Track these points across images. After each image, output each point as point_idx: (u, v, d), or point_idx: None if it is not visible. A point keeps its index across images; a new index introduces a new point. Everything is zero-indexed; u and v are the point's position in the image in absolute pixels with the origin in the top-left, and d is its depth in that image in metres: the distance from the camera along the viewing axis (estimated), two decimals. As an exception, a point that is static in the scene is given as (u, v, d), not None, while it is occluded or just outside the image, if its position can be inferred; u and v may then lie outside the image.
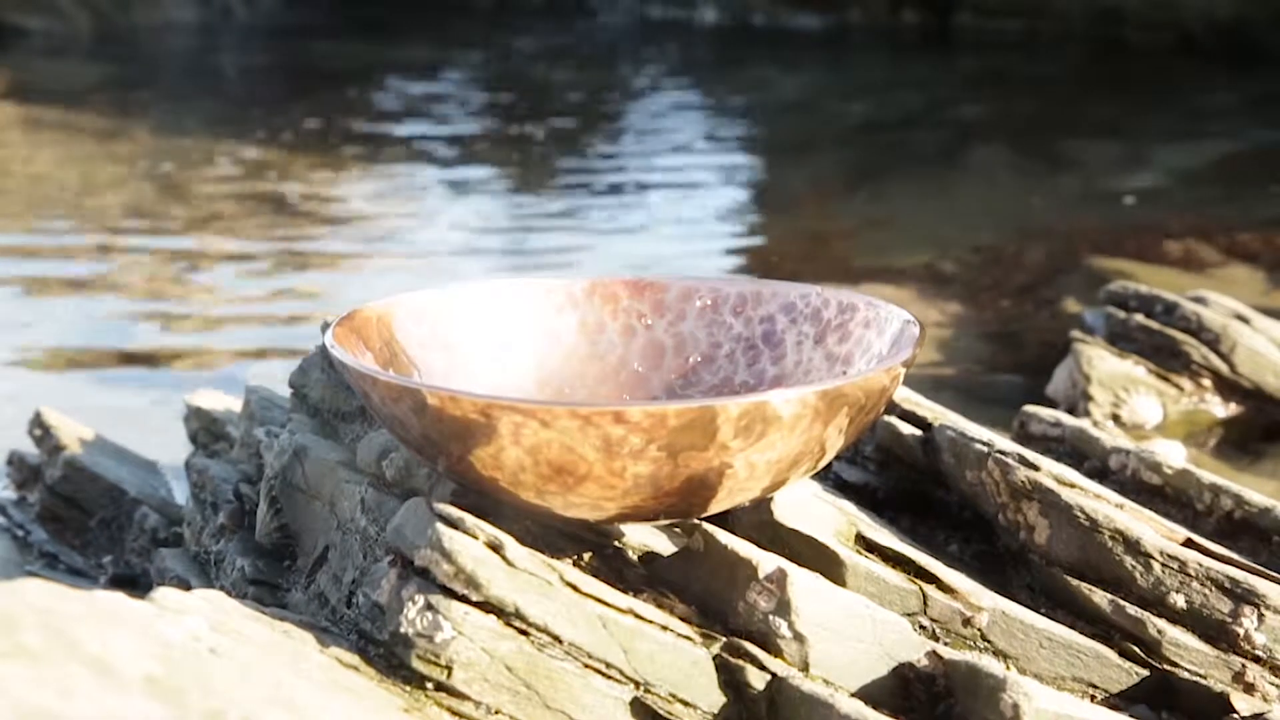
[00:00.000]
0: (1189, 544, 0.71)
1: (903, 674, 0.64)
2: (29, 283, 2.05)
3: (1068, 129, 3.28)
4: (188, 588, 0.77)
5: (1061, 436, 0.90)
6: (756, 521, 0.68)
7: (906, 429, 0.79)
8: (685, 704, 0.61)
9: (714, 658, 0.62)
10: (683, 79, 4.64)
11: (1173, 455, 0.87)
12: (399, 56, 4.95)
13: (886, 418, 0.80)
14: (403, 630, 0.59)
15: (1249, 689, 0.66)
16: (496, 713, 0.59)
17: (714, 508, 0.64)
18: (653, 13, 6.04)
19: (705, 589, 0.64)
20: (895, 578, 0.67)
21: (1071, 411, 1.28)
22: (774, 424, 0.59)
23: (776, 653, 0.62)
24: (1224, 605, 0.68)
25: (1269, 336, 1.33)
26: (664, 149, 3.28)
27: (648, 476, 0.60)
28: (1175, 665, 0.67)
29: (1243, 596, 0.67)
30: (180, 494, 1.05)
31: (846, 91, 4.08)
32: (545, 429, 0.58)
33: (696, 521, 0.66)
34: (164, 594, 0.58)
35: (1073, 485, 0.72)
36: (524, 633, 0.59)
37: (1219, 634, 0.68)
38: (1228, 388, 1.31)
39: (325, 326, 0.80)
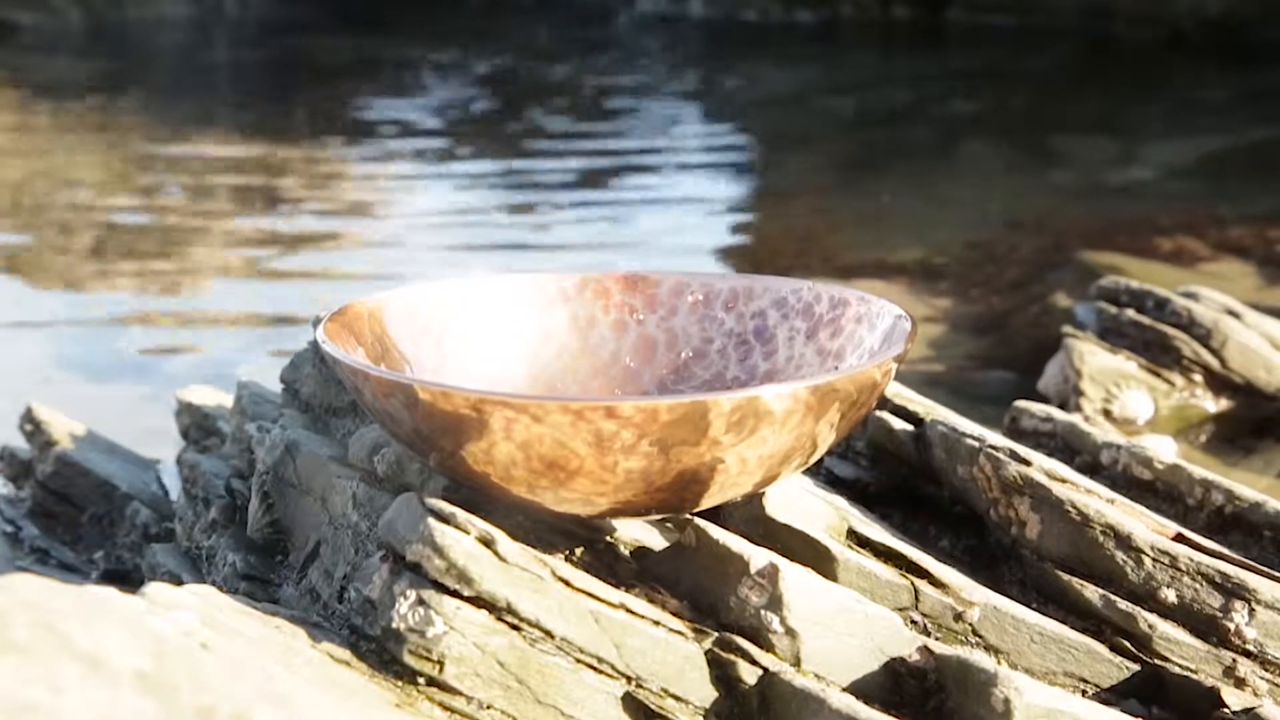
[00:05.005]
0: (1180, 539, 0.71)
1: (894, 669, 0.64)
2: (19, 277, 2.05)
3: (1059, 124, 3.29)
4: (179, 583, 0.77)
5: (1053, 432, 0.90)
6: (748, 516, 0.68)
7: (898, 424, 0.79)
8: (677, 699, 0.61)
9: (706, 653, 0.62)
10: (675, 73, 4.64)
11: (1164, 450, 0.87)
12: (391, 51, 4.94)
13: (878, 413, 0.81)
14: (394, 625, 0.59)
15: (1239, 684, 0.66)
16: (488, 708, 0.59)
17: (706, 503, 0.64)
18: (645, 7, 6.04)
19: (697, 584, 0.64)
20: (887, 573, 0.67)
21: (1063, 407, 1.29)
22: (766, 419, 0.59)
23: (768, 648, 0.62)
24: (1215, 600, 0.68)
25: (1260, 331, 1.33)
26: (656, 144, 3.28)
27: (639, 471, 0.60)
28: (1166, 660, 0.67)
29: (1233, 591, 0.68)
30: (172, 489, 1.05)
31: (838, 86, 4.08)
32: (537, 424, 0.58)
33: (688, 516, 0.66)
34: (155, 589, 0.58)
35: (1064, 480, 0.72)
36: (516, 628, 0.59)
37: (1210, 629, 0.68)
38: (1219, 383, 1.31)
39: (316, 322, 0.80)
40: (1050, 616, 0.68)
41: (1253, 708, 0.64)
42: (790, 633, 0.62)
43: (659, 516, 0.66)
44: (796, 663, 0.62)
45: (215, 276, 2.07)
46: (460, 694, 0.59)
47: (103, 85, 4.13)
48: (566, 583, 0.61)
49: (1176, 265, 1.93)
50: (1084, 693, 0.66)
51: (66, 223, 2.39)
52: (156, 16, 5.85)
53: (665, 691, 0.61)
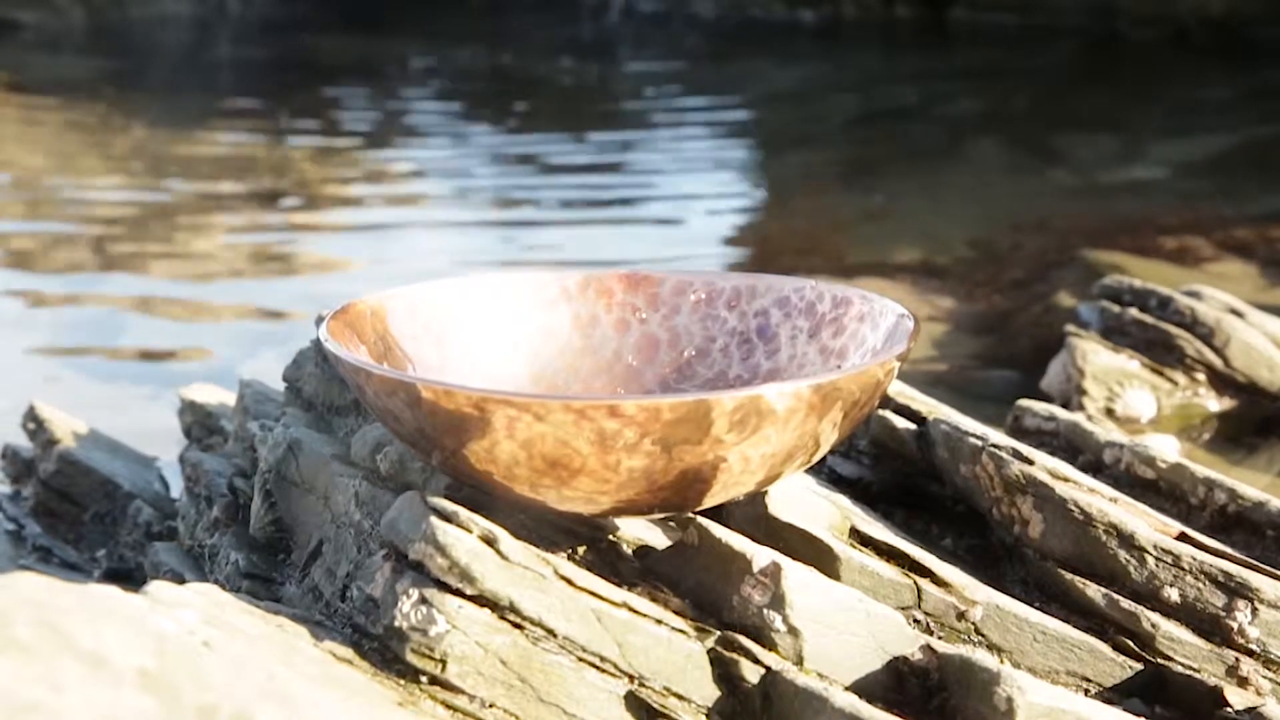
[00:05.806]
0: (1183, 538, 0.71)
1: (896, 668, 0.64)
2: (22, 276, 2.05)
3: (1062, 123, 3.28)
4: (181, 581, 0.77)
5: (1055, 431, 0.90)
6: (751, 515, 0.68)
7: (901, 423, 0.79)
8: (679, 698, 0.61)
9: (708, 651, 0.62)
10: (677, 72, 4.64)
11: (1167, 449, 0.87)
12: (393, 51, 4.94)
13: (881, 412, 0.80)
14: (397, 624, 0.59)
15: (1242, 683, 0.66)
16: (491, 706, 0.59)
17: (708, 501, 0.64)
18: (646, 6, 6.03)
19: (699, 583, 0.64)
20: (889, 571, 0.67)
21: (1066, 406, 1.28)
22: (768, 418, 0.59)
23: (771, 646, 0.62)
24: (1218, 599, 0.68)
25: (1263, 330, 1.33)
26: (658, 142, 3.28)
27: (642, 470, 0.60)
28: (1169, 659, 0.67)
29: (1236, 590, 0.68)
30: (174, 488, 1.05)
31: (841, 85, 4.07)
32: (539, 423, 0.58)
33: (691, 515, 0.66)
34: (158, 588, 0.58)
35: (1067, 479, 0.72)
36: (518, 626, 0.59)
37: (1213, 628, 0.68)
38: (1222, 382, 1.31)
39: (319, 320, 0.80)
40: (1053, 615, 0.68)
41: (1255, 707, 0.64)
42: (793, 631, 0.62)
43: (661, 515, 0.66)
44: (799, 661, 0.62)
45: (218, 275, 2.07)
46: (463, 693, 0.59)
47: (105, 83, 4.13)
48: (569, 581, 0.61)
49: (1179, 264, 1.93)
50: (1087, 692, 0.66)
51: (69, 220, 2.39)
52: (159, 15, 5.85)
53: (668, 690, 0.61)
